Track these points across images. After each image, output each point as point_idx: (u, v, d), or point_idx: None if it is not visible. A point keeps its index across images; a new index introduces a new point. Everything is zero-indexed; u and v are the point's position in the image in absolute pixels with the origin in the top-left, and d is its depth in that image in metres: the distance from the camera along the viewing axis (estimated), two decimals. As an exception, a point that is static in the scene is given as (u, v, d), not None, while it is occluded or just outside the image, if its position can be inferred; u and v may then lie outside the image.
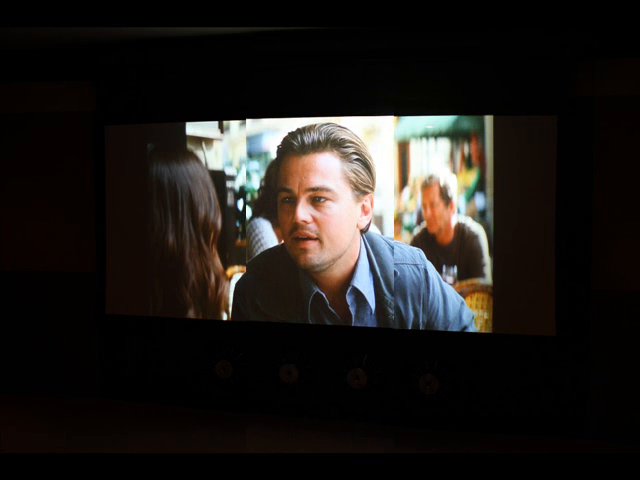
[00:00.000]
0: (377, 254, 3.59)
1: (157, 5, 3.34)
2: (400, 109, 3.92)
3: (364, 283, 3.60)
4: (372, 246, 3.59)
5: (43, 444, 4.04)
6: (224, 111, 4.25)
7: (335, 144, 3.54)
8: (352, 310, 3.67)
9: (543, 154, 3.85)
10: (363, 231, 3.59)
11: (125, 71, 4.39)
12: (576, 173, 3.96)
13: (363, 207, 3.55)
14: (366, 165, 3.54)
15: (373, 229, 3.66)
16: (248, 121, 3.99)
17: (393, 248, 3.61)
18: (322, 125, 3.59)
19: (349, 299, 3.65)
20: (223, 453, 3.81)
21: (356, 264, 3.59)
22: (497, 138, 3.83)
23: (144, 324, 4.55)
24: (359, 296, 3.63)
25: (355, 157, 3.53)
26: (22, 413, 4.59)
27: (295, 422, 4.30)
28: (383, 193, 3.67)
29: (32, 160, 4.82)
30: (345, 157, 3.53)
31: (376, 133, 3.70)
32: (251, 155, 3.93)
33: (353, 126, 3.64)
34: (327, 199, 3.52)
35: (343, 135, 3.55)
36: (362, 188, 3.54)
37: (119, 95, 4.51)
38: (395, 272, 3.61)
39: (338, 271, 3.60)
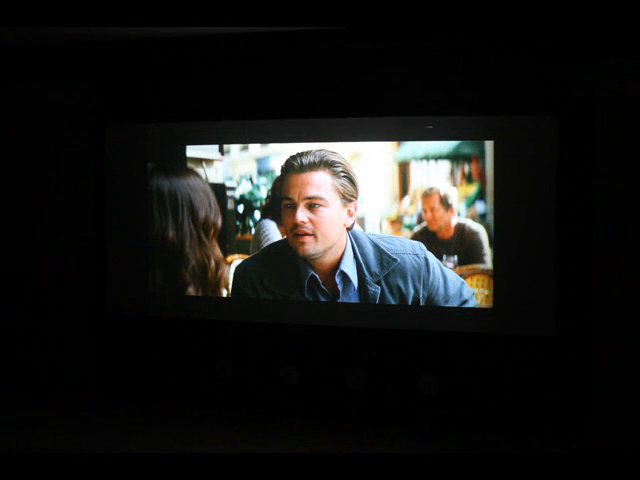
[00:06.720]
0: (359, 246, 4.70)
1: (160, 4, 3.40)
2: (401, 110, 4.42)
3: (349, 267, 4.72)
4: (356, 240, 4.71)
5: (43, 444, 4.19)
6: (228, 113, 4.66)
7: (327, 164, 4.67)
8: (340, 287, 4.77)
9: (543, 154, 4.16)
10: (349, 229, 4.71)
11: (127, 71, 4.72)
12: (576, 173, 3.97)
13: (349, 211, 4.68)
14: (351, 180, 4.69)
15: (357, 227, 4.75)
16: (257, 146, 5.04)
17: (374, 242, 4.68)
18: (317, 150, 4.73)
19: (337, 279, 4.75)
20: (223, 453, 3.96)
21: (343, 253, 4.70)
22: (497, 142, 4.22)
23: (144, 323, 4.84)
24: (345, 277, 4.74)
25: (343, 174, 4.67)
26: (22, 413, 4.74)
27: (295, 422, 4.53)
28: (365, 200, 4.75)
29: (31, 160, 5.01)
30: (335, 174, 4.67)
31: (360, 157, 4.80)
32: (260, 172, 5.03)
33: (341, 149, 4.74)
34: (320, 205, 4.64)
35: (333, 158, 4.69)
36: (348, 197, 4.67)
37: (120, 95, 4.75)
38: (395, 259, 4.60)
39: (329, 259, 4.72)
